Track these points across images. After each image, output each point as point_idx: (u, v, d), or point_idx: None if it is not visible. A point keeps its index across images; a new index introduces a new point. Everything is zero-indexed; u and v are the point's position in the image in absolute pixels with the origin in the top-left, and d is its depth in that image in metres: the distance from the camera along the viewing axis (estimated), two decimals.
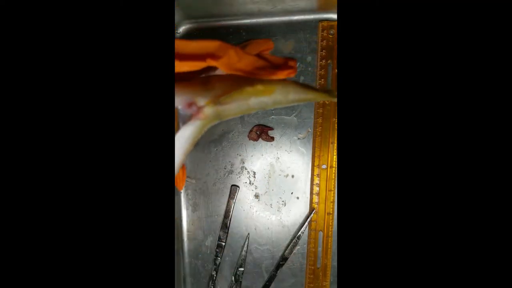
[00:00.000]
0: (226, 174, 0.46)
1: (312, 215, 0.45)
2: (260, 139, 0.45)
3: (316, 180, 0.45)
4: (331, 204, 0.45)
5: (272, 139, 0.45)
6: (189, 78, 0.24)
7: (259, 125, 0.45)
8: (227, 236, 0.47)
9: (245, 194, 0.46)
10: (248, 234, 0.47)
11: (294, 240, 0.45)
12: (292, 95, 0.24)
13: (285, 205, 0.46)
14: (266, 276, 0.47)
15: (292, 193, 0.46)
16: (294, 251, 0.46)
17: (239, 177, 0.46)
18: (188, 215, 0.47)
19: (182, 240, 0.47)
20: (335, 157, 0.45)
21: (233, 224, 0.47)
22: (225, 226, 0.46)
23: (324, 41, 0.44)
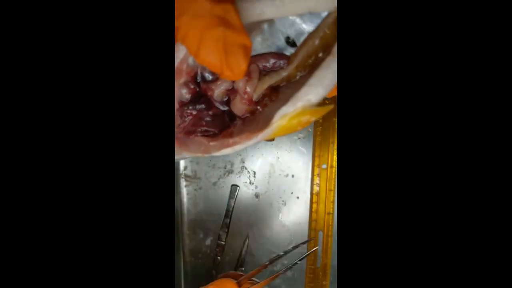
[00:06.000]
0: (226, 174, 0.46)
1: (310, 251, 0.45)
2: None
3: (316, 180, 0.45)
4: (331, 204, 0.45)
5: (272, 139, 0.45)
6: None
7: None
8: (227, 236, 0.47)
9: (245, 194, 0.46)
10: (248, 233, 0.47)
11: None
12: None
13: (285, 204, 0.46)
14: (266, 276, 0.47)
15: (292, 192, 0.46)
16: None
17: (239, 176, 0.46)
18: (188, 215, 0.47)
19: (182, 239, 0.47)
20: (335, 156, 0.45)
21: (233, 223, 0.47)
22: (225, 226, 0.46)
23: None
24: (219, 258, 0.46)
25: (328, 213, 0.45)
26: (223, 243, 0.46)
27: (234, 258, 0.47)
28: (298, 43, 0.29)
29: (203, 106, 0.29)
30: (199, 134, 0.29)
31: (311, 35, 0.26)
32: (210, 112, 0.29)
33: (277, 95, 0.29)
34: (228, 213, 0.46)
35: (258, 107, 0.29)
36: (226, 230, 0.46)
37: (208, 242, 0.47)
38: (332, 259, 0.45)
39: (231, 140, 0.27)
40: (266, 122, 0.27)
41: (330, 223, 0.45)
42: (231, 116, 0.30)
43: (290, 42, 0.29)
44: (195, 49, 0.23)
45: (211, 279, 0.47)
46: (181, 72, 0.28)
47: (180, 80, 0.28)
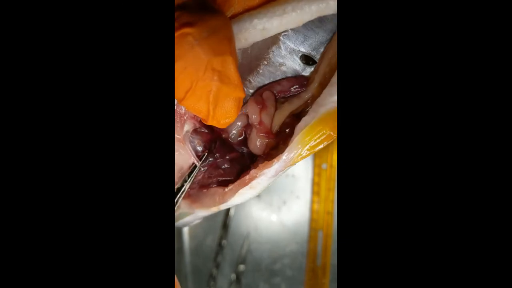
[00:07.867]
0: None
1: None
2: None
3: (317, 179, 0.45)
4: (331, 203, 0.45)
5: None
6: None
7: None
8: (227, 235, 0.47)
9: None
10: (249, 233, 0.47)
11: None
12: None
13: (285, 204, 0.46)
14: (267, 274, 0.47)
15: (292, 192, 0.46)
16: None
17: None
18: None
19: (182, 239, 0.48)
20: (335, 156, 0.45)
21: (234, 223, 0.47)
22: (225, 225, 0.47)
23: None
24: (220, 257, 0.47)
25: (328, 213, 0.45)
26: (224, 242, 0.47)
27: (235, 257, 0.47)
28: (317, 58, 0.25)
29: (218, 155, 0.25)
30: (214, 186, 0.25)
31: (330, 44, 0.22)
32: (228, 157, 0.25)
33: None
34: (228, 213, 0.46)
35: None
36: (227, 229, 0.47)
37: (208, 241, 0.47)
38: (332, 259, 0.45)
39: (247, 177, 0.23)
40: (286, 142, 0.23)
41: (330, 223, 0.45)
42: (251, 157, 0.26)
43: (307, 60, 0.25)
44: (181, 96, 0.22)
45: (211, 278, 0.47)
46: (182, 117, 0.23)
47: (185, 128, 0.24)
